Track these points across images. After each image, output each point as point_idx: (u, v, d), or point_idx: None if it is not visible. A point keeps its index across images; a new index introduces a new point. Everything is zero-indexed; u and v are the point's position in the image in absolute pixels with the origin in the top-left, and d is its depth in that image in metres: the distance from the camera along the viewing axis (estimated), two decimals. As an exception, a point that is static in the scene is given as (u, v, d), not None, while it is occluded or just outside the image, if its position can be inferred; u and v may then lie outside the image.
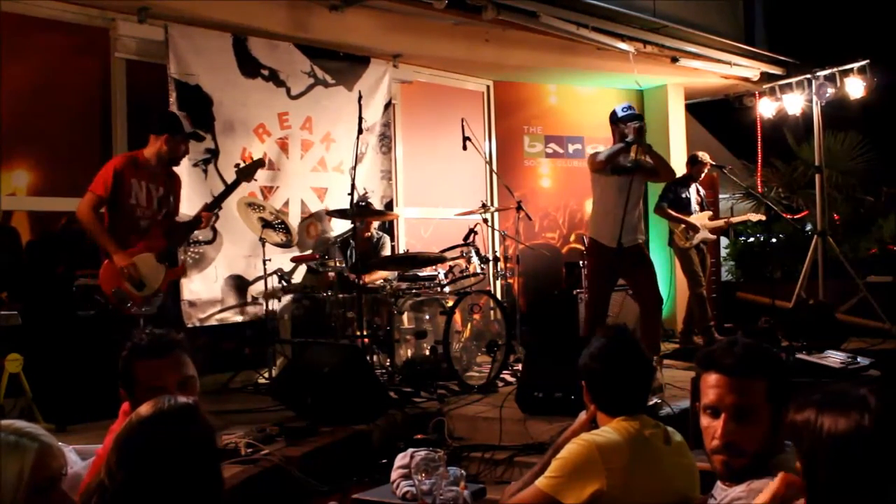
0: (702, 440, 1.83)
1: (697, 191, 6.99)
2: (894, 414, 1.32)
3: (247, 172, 4.74)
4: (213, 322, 5.47)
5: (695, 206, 6.89)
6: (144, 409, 1.53)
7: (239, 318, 5.68)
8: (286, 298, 5.71)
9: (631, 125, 4.83)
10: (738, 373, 1.75)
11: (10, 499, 1.38)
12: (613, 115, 5.08)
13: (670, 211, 6.76)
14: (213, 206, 4.61)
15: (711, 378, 1.78)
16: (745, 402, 1.73)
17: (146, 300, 4.23)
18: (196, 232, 5.38)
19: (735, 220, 7.69)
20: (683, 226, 6.77)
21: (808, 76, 7.37)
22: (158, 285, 4.28)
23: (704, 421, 1.79)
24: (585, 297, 6.03)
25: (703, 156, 6.94)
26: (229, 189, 4.64)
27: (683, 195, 6.84)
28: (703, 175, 6.98)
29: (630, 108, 5.08)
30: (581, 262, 7.05)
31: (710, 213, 7.05)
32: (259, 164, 4.92)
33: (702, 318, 6.68)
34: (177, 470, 1.46)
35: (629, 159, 4.89)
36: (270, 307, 5.50)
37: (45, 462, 1.42)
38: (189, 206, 5.31)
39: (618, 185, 4.88)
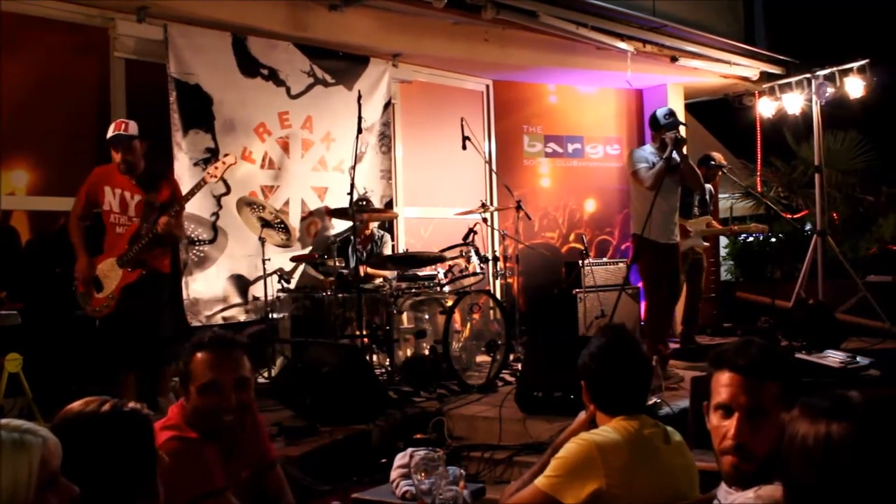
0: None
1: (702, 193, 6.57)
2: (874, 427, 1.27)
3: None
4: (216, 321, 5.46)
5: (695, 210, 6.56)
6: (76, 405, 1.64)
7: (241, 318, 5.67)
8: (286, 298, 5.71)
9: (669, 135, 5.06)
10: (753, 374, 1.71)
11: (24, 496, 1.40)
12: (655, 121, 5.27)
13: None
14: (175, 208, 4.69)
15: (724, 377, 1.73)
16: (759, 404, 1.70)
17: (105, 302, 4.53)
18: (200, 230, 5.43)
19: (724, 231, 7.40)
20: None
21: (808, 76, 7.35)
22: (112, 288, 4.52)
23: (715, 420, 1.74)
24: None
25: (718, 157, 6.66)
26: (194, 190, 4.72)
27: (686, 199, 6.43)
28: (716, 178, 6.73)
29: (671, 114, 5.24)
30: (581, 262, 7.03)
31: (709, 219, 6.68)
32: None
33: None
34: (100, 473, 1.55)
35: (672, 165, 5.05)
36: (270, 307, 5.49)
37: (48, 456, 1.44)
38: (188, 205, 5.31)
39: (664, 188, 5.04)
